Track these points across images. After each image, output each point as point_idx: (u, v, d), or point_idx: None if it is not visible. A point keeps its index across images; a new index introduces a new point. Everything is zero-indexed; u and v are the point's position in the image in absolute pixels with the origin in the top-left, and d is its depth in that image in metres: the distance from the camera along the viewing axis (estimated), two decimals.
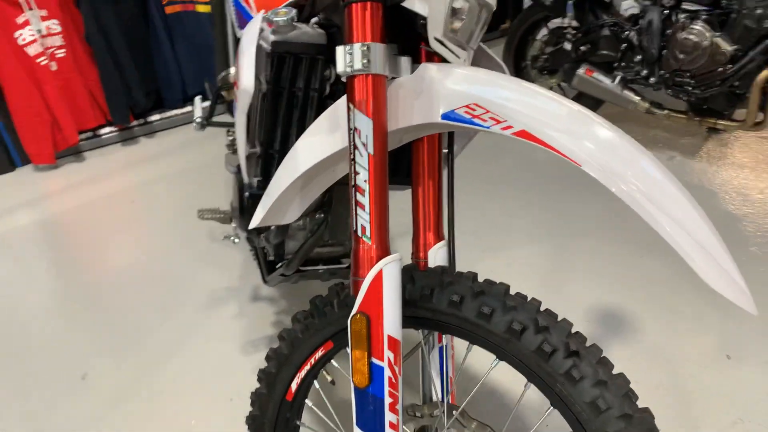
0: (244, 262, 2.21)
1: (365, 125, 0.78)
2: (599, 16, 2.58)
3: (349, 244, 1.32)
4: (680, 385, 1.48)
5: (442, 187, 0.97)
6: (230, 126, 1.68)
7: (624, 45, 2.50)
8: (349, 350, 1.01)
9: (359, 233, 0.80)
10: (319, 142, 0.90)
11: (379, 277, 0.79)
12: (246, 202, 1.33)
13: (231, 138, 1.84)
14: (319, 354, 0.98)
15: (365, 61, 0.76)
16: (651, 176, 0.68)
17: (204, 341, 1.81)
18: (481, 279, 1.82)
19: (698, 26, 2.23)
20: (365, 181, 0.79)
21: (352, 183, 0.80)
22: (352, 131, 0.79)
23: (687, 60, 2.27)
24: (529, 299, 0.82)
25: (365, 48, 0.76)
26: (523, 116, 0.73)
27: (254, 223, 1.00)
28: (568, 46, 2.67)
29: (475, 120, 0.75)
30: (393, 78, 0.83)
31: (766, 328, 1.64)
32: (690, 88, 2.33)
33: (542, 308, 1.36)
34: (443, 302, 0.84)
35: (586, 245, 2.10)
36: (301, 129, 1.06)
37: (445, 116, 0.78)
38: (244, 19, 1.49)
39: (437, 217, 0.97)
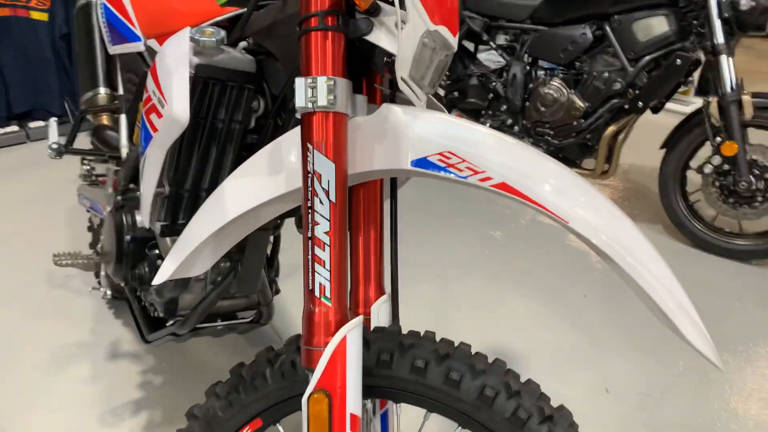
0: (97, 312, 1.89)
1: (327, 169, 0.68)
2: (467, 66, 2.73)
3: (254, 297, 1.17)
4: None
5: (383, 235, 0.90)
6: (93, 154, 1.43)
7: (491, 95, 2.67)
8: (280, 428, 0.87)
9: (317, 293, 0.69)
10: (254, 185, 0.77)
11: (342, 346, 0.68)
12: (127, 246, 1.12)
13: (87, 168, 1.58)
14: None
15: (331, 97, 0.67)
16: (631, 234, 0.67)
17: (47, 411, 1.49)
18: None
19: (556, 83, 2.45)
20: (326, 233, 0.68)
21: (309, 235, 0.69)
22: (310, 175, 0.69)
23: (547, 113, 2.48)
24: (492, 359, 0.77)
25: (331, 83, 0.67)
26: (502, 167, 0.69)
27: (162, 278, 0.83)
28: (441, 92, 2.77)
29: (450, 169, 0.69)
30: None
31: (639, 363, 1.78)
32: (549, 138, 2.54)
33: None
34: (405, 368, 0.75)
35: (470, 282, 2.14)
36: (218, 167, 0.91)
37: (416, 163, 0.71)
38: (119, 34, 1.29)
39: (379, 268, 0.89)
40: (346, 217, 0.71)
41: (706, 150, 2.35)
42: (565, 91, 2.44)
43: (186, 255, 0.81)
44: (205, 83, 0.81)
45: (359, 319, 0.70)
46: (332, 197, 0.69)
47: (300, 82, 0.67)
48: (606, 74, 2.35)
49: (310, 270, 0.69)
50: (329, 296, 0.69)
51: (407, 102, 0.76)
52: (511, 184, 0.68)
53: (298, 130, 0.75)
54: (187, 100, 0.73)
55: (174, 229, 0.91)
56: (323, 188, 0.68)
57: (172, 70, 0.73)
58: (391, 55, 0.73)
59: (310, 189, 0.69)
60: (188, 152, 0.87)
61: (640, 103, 2.29)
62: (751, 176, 2.19)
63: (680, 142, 2.36)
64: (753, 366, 1.78)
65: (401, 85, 0.73)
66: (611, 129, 2.41)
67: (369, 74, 0.81)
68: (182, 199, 0.90)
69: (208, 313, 1.13)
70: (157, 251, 1.11)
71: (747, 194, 2.22)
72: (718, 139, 2.21)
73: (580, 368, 1.75)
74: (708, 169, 2.26)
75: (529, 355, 1.80)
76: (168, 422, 1.48)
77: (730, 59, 2.19)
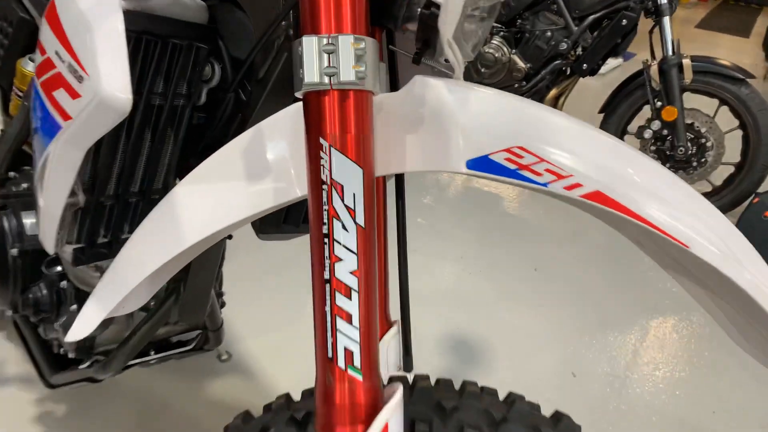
0: None
1: (352, 178, 0.46)
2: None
3: (199, 321, 0.91)
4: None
5: (387, 249, 0.68)
6: None
7: None
8: None
9: (340, 363, 0.47)
10: (223, 197, 0.52)
11: None
12: (13, 263, 0.82)
13: None
14: None
15: (361, 68, 0.43)
16: (749, 254, 0.52)
17: None
18: None
19: (496, 42, 2.29)
20: (353, 272, 0.46)
21: (325, 277, 0.46)
22: (325, 188, 0.45)
23: (487, 74, 2.32)
24: (562, 419, 0.59)
25: (360, 46, 0.43)
26: (595, 169, 0.49)
27: (82, 332, 0.57)
28: None
29: (524, 172, 0.49)
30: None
31: (604, 344, 1.72)
32: None
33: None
34: None
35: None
36: (155, 161, 0.64)
37: (474, 164, 0.49)
38: None
39: (383, 294, 0.68)
40: (376, 245, 0.49)
41: (641, 116, 2.32)
42: (505, 50, 2.29)
43: (119, 299, 0.55)
44: (136, 40, 0.54)
45: (400, 393, 0.49)
46: (360, 219, 0.46)
47: (311, 44, 0.43)
48: (549, 33, 2.22)
49: (330, 329, 0.46)
50: (359, 365, 0.47)
51: (437, 73, 0.55)
52: (609, 193, 0.49)
53: (294, 111, 0.51)
54: (127, 73, 0.46)
55: (93, 254, 0.63)
56: (347, 206, 0.46)
57: (94, 22, 0.45)
58: (429, 5, 0.50)
59: (325, 209, 0.46)
60: (112, 144, 0.59)
61: (585, 64, 2.19)
62: (687, 142, 2.18)
63: (619, 106, 2.31)
64: (679, 334, 1.79)
65: (446, 49, 0.51)
66: (553, 92, 2.31)
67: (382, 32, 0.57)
68: (103, 211, 0.63)
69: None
70: (58, 269, 0.82)
71: (683, 159, 2.22)
72: (659, 103, 2.17)
73: (543, 351, 1.66)
74: (648, 134, 2.23)
75: (489, 340, 1.68)
76: None
77: (671, 20, 2.13)
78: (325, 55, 0.43)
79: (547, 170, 0.49)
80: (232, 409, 1.35)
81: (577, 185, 0.49)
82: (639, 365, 1.63)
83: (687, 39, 5.91)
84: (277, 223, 0.79)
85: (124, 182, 0.61)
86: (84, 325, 0.55)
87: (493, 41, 2.30)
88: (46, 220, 0.59)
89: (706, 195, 2.32)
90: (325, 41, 0.43)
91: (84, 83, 0.46)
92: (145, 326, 0.77)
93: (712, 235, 0.50)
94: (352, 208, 0.46)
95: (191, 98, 0.61)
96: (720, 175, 2.31)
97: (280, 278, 1.86)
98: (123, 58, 0.45)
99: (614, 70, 4.11)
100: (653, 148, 2.27)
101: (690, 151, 2.20)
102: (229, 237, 0.78)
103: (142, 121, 0.59)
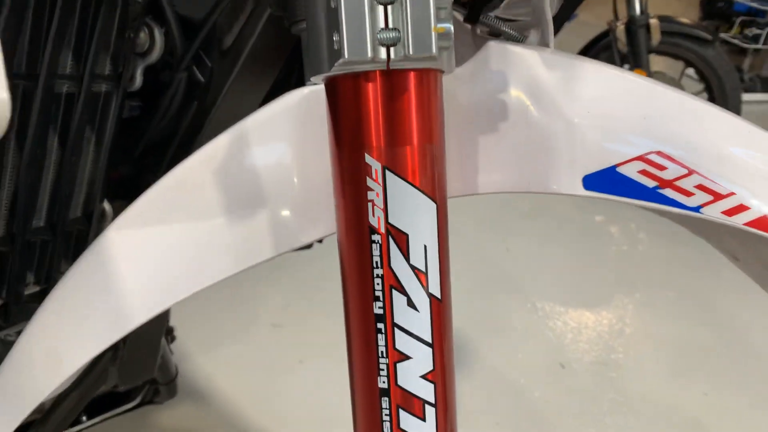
0: None
1: (422, 218, 0.27)
2: None
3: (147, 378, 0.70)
4: (524, 407, 1.33)
5: None
6: None
7: None
8: None
9: None
10: (187, 248, 0.33)
11: None
12: None
13: None
14: None
15: (446, 31, 0.24)
16: None
17: None
18: None
19: None
20: (425, 376, 0.28)
21: (381, 386, 0.28)
22: (380, 239, 0.27)
23: None
24: None
25: (445, 7, 0.24)
26: (762, 183, 0.33)
27: None
28: None
29: (666, 192, 0.32)
30: None
31: (594, 334, 1.62)
32: None
33: None
34: None
35: None
36: (68, 185, 0.42)
37: (593, 181, 0.32)
38: None
39: None
40: (452, 326, 0.30)
41: None
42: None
43: (29, 411, 0.35)
44: None
45: None
46: (434, 287, 0.28)
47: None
48: None
49: None
50: None
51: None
52: None
53: (295, 108, 0.32)
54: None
55: None
56: (414, 268, 0.27)
57: None
58: None
59: (378, 274, 0.27)
60: None
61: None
62: None
63: None
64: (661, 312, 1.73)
65: (546, 29, 0.33)
66: None
67: None
68: None
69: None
70: None
71: None
72: (626, 65, 2.06)
73: (526, 342, 1.54)
74: None
75: (469, 333, 1.54)
76: None
77: None
78: (380, 8, 0.24)
79: (700, 186, 0.32)
80: None
81: (742, 208, 0.32)
82: (624, 348, 1.55)
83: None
84: None
85: (21, 215, 0.39)
86: None
87: None
88: None
89: None
90: None
91: None
92: (72, 395, 0.56)
93: None
94: (423, 270, 0.27)
95: (119, 81, 0.40)
96: None
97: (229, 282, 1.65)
98: None
99: (560, 32, 4.02)
100: None
101: None
102: None
103: (43, 120, 0.37)
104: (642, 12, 2.00)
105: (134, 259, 0.32)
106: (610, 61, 2.12)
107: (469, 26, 0.39)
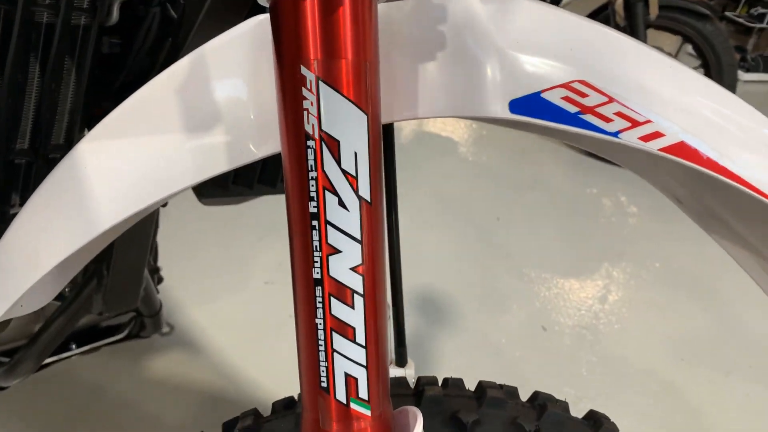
0: None
1: (353, 127, 0.30)
2: None
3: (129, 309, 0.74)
4: (504, 365, 1.37)
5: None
6: None
7: None
8: None
9: (341, 395, 0.33)
10: (155, 155, 0.36)
11: None
12: None
13: None
14: None
15: None
16: None
17: None
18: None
19: None
20: (355, 269, 0.32)
21: (315, 273, 0.32)
22: (314, 143, 0.30)
23: None
24: (602, 423, 0.48)
25: None
26: (678, 112, 0.36)
27: None
28: None
29: (587, 117, 0.35)
30: None
31: (577, 300, 1.66)
32: None
33: None
34: None
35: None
36: (50, 112, 0.45)
37: (518, 106, 0.35)
38: None
39: None
40: (384, 227, 0.34)
41: None
42: None
43: (9, 305, 0.38)
44: None
45: (419, 420, 0.36)
46: (364, 190, 0.31)
47: None
48: None
49: (324, 350, 0.32)
50: (367, 397, 0.33)
51: None
52: (697, 145, 0.36)
53: (255, 25, 0.35)
54: None
55: None
56: (345, 172, 0.30)
57: None
58: None
59: (313, 177, 0.30)
60: None
61: None
62: None
63: None
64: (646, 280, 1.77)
65: None
66: None
67: None
68: None
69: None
70: None
71: None
72: None
73: (512, 306, 1.58)
74: None
75: (457, 298, 1.58)
76: None
77: None
78: None
79: (619, 114, 0.35)
80: (177, 391, 1.20)
81: (657, 135, 0.36)
82: (607, 315, 1.59)
83: None
84: (223, 183, 0.62)
85: (4, 135, 0.42)
86: None
87: None
88: None
89: None
90: None
91: None
92: (59, 320, 0.60)
93: None
94: (353, 174, 0.31)
95: (96, 15, 0.43)
96: None
97: (221, 235, 1.69)
98: None
99: (569, 4, 3.99)
100: None
101: None
102: (164, 205, 0.61)
103: (23, 47, 0.40)
104: None
105: (103, 167, 0.36)
106: None
107: None
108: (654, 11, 2.02)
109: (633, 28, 2.03)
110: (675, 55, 2.13)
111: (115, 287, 0.60)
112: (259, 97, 0.35)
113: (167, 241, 1.59)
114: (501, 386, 0.50)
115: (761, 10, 3.41)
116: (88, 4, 0.42)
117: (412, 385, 0.48)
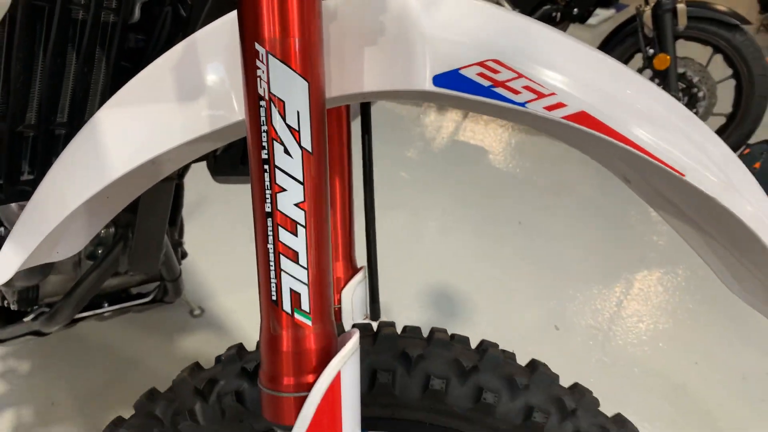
0: None
1: (295, 92, 0.39)
2: None
3: (152, 270, 0.85)
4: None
5: (351, 190, 0.62)
6: None
7: None
8: None
9: (286, 307, 0.41)
10: (157, 117, 0.46)
11: (334, 389, 0.42)
12: None
13: None
14: None
15: None
16: (746, 179, 0.46)
17: None
18: None
19: None
20: (298, 205, 0.40)
21: (267, 209, 0.40)
22: (263, 104, 0.39)
23: None
24: (538, 367, 0.54)
25: None
26: (580, 87, 0.43)
27: (4, 276, 0.50)
28: None
29: (498, 90, 0.42)
30: None
31: (588, 297, 1.69)
32: None
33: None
34: (415, 392, 0.51)
35: (393, 216, 1.92)
36: (83, 87, 0.56)
37: (441, 80, 0.43)
38: None
39: (348, 238, 0.62)
40: (327, 173, 0.42)
41: (632, 65, 2.24)
42: None
43: (42, 238, 0.49)
44: None
45: (356, 340, 0.43)
46: (306, 142, 0.40)
47: None
48: None
49: (273, 270, 0.40)
50: (308, 309, 0.41)
51: None
52: (596, 114, 0.43)
53: (232, 19, 0.44)
54: None
55: (15, 192, 0.56)
56: (289, 126, 0.39)
57: None
58: None
59: (264, 129, 0.39)
60: (25, 62, 0.51)
61: (575, 9, 2.09)
62: (679, 91, 2.11)
63: (612, 53, 2.22)
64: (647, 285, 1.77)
65: None
66: None
67: None
68: (23, 143, 0.55)
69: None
70: None
71: None
72: (651, 50, 2.08)
73: (526, 304, 1.63)
74: None
75: (471, 294, 1.64)
76: (43, 422, 1.15)
77: None
78: None
79: (526, 87, 0.43)
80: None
81: (560, 105, 0.43)
82: (622, 318, 1.61)
83: None
84: (232, 163, 0.72)
85: (46, 109, 0.53)
86: (7, 263, 0.49)
87: None
88: None
89: None
90: None
91: None
92: (92, 275, 0.71)
93: (710, 162, 0.44)
94: (296, 128, 0.39)
95: (121, 13, 0.53)
96: (711, 126, 2.26)
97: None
98: None
99: (606, 22, 3.99)
100: None
101: (681, 102, 2.13)
102: (179, 178, 0.71)
103: (62, 37, 0.51)
104: None
105: (115, 128, 0.45)
106: (635, 45, 2.15)
107: None
108: (683, 21, 2.04)
109: (661, 38, 2.05)
110: (706, 65, 2.14)
111: (138, 249, 0.71)
112: (234, 73, 0.44)
113: (205, 234, 1.72)
114: (453, 336, 0.57)
115: None
116: (116, 4, 0.53)
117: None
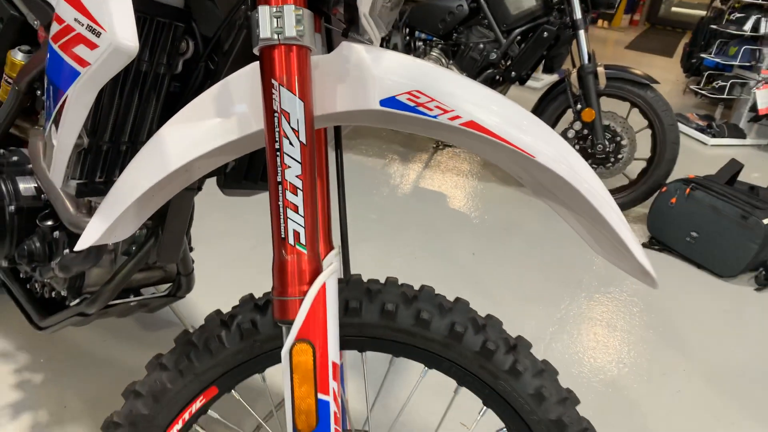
0: None
1: (295, 108, 0.64)
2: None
3: (173, 267, 1.07)
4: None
5: (329, 187, 0.87)
6: None
7: None
8: (235, 394, 0.81)
9: (291, 241, 0.65)
10: (199, 131, 0.70)
11: (321, 294, 0.65)
12: (10, 220, 0.96)
13: None
14: (196, 405, 0.76)
15: (300, 28, 0.62)
16: (581, 164, 0.72)
17: None
18: None
19: (435, 53, 2.54)
20: (298, 176, 0.64)
21: (278, 179, 0.65)
22: (277, 114, 0.64)
23: None
24: (454, 298, 0.78)
25: (300, 13, 0.62)
26: (470, 106, 0.69)
27: (88, 241, 0.73)
28: None
29: (420, 108, 0.69)
30: None
31: (531, 314, 1.93)
32: None
33: None
34: (374, 314, 0.74)
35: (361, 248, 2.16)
36: (141, 117, 0.81)
37: (385, 103, 0.69)
38: None
39: (326, 222, 0.86)
40: (315, 159, 0.67)
41: (566, 119, 2.59)
42: (443, 61, 2.53)
43: (118, 214, 0.72)
44: (136, 18, 0.71)
45: (336, 265, 0.67)
46: (302, 138, 0.65)
47: (264, 11, 0.62)
48: (481, 45, 2.48)
49: (282, 216, 0.64)
50: (304, 243, 0.65)
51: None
52: (480, 122, 0.69)
53: (251, 68, 0.70)
54: (134, 26, 0.63)
55: (93, 189, 0.79)
56: (292, 128, 0.64)
57: None
58: None
59: (277, 130, 0.64)
60: (110, 98, 0.76)
61: (513, 72, 2.46)
62: (605, 140, 2.46)
63: (546, 110, 2.58)
64: (617, 303, 2.03)
65: (363, 22, 0.70)
66: None
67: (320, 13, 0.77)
68: (101, 153, 0.79)
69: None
70: (50, 222, 0.96)
71: (602, 156, 2.50)
72: (579, 106, 2.44)
73: None
74: (571, 133, 2.50)
75: None
76: (57, 422, 1.31)
77: (586, 34, 2.42)
78: (275, 19, 0.62)
79: (437, 106, 0.69)
80: None
81: (457, 117, 0.69)
82: (562, 329, 1.85)
83: (617, 59, 6.39)
84: (239, 178, 0.96)
85: (118, 131, 0.77)
86: (91, 232, 0.72)
87: (432, 53, 2.54)
88: (58, 158, 0.75)
89: (624, 188, 2.60)
90: (274, 9, 0.62)
91: (101, 36, 0.63)
92: (128, 265, 0.92)
93: (555, 152, 0.71)
94: (296, 129, 0.64)
95: (170, 67, 0.79)
96: (634, 170, 2.61)
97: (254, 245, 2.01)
98: (131, 16, 0.62)
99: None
100: (576, 147, 2.54)
101: (608, 149, 2.48)
102: (198, 188, 0.94)
103: (133, 83, 0.76)
104: (590, 60, 2.40)
105: (172, 137, 0.70)
106: (566, 102, 2.51)
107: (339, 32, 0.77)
108: (603, 82, 2.41)
109: (586, 96, 2.41)
110: (626, 118, 2.51)
111: (166, 243, 0.93)
112: (253, 100, 0.69)
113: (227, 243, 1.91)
114: (402, 284, 0.81)
115: (721, 83, 3.81)
116: (166, 61, 0.78)
117: None
